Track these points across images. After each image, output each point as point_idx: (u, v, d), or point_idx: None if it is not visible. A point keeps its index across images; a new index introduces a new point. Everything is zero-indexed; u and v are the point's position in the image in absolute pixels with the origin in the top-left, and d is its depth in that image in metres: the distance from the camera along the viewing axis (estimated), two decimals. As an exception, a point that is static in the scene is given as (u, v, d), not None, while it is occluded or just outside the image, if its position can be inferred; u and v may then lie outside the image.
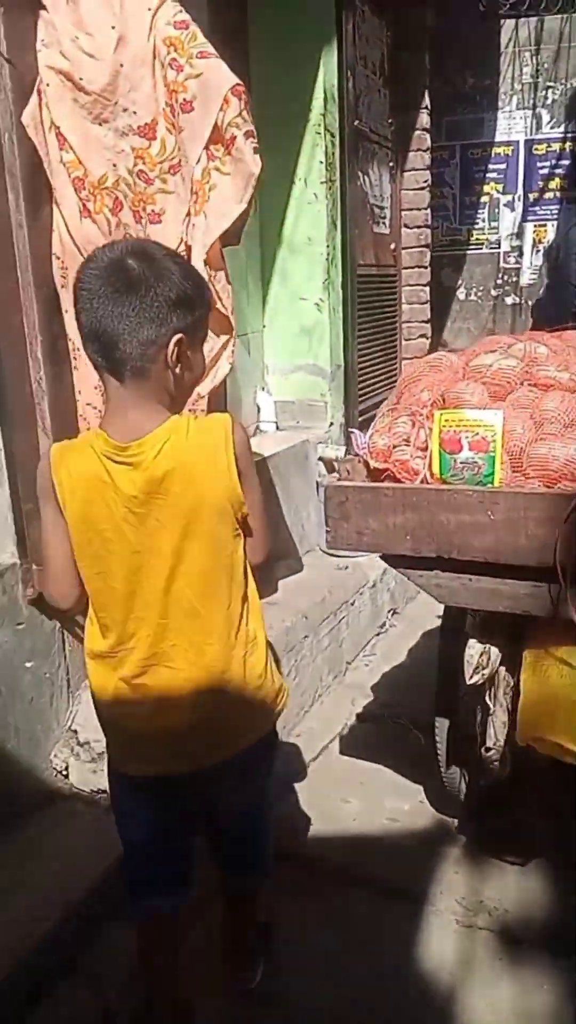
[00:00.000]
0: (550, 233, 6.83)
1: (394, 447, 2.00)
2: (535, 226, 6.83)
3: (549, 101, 6.66)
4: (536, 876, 2.20)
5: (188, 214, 2.16)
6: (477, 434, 1.84)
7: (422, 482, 1.91)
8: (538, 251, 6.88)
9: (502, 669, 1.95)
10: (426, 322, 5.47)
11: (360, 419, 4.23)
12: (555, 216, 6.81)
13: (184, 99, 2.06)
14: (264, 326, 4.21)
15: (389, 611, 4.09)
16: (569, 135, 6.71)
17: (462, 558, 1.82)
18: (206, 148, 2.09)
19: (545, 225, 6.86)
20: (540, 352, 2.09)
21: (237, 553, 1.47)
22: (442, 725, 2.25)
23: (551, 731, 1.84)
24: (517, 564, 1.76)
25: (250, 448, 1.50)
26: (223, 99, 2.05)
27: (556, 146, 6.72)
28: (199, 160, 2.09)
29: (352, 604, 3.62)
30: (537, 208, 6.79)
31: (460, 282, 6.94)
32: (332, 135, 3.92)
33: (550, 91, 6.67)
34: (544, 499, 1.73)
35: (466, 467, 1.85)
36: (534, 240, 6.85)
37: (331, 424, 4.17)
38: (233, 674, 1.48)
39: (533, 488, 1.80)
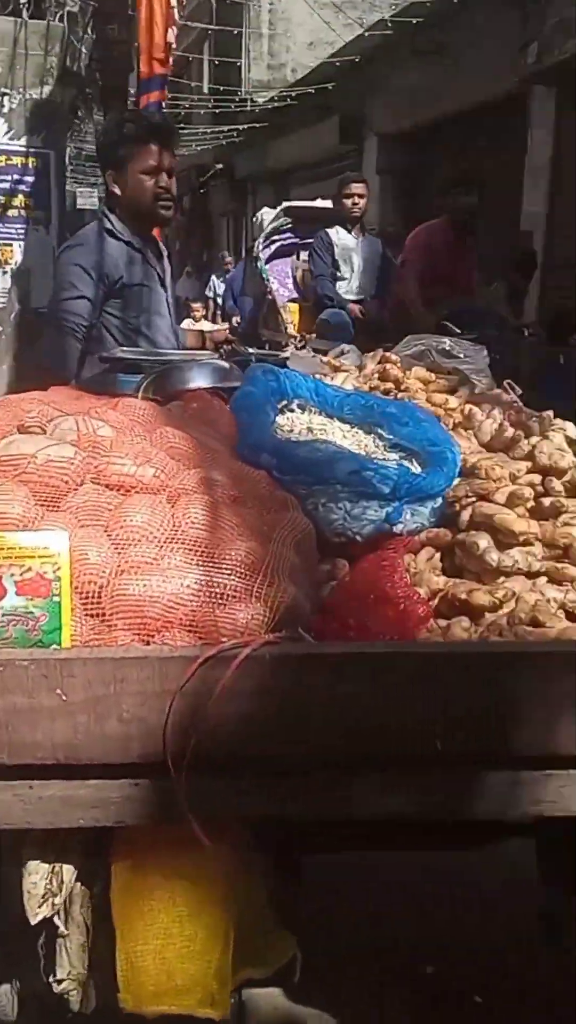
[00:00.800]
0: (17, 254, 6.35)
1: None
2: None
3: (6, 110, 6.19)
4: None
5: None
6: (29, 569, 1.30)
7: None
8: (4, 272, 6.36)
9: (78, 884, 1.42)
10: None
11: None
12: (21, 236, 6.36)
13: None
14: None
15: None
16: (31, 149, 6.30)
17: (15, 762, 1.24)
18: None
19: (11, 245, 6.36)
20: (103, 434, 1.60)
21: None
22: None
23: (167, 1000, 1.38)
24: (106, 761, 1.25)
25: None
26: None
27: (17, 160, 6.27)
28: None
29: None
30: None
31: None
32: None
33: (7, 99, 6.20)
34: (146, 663, 1.23)
35: (13, 621, 1.29)
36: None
37: None
38: None
39: (127, 649, 1.30)
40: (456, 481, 1.96)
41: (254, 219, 15.83)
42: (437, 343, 3.21)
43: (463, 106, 11.30)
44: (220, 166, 21.95)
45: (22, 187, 6.40)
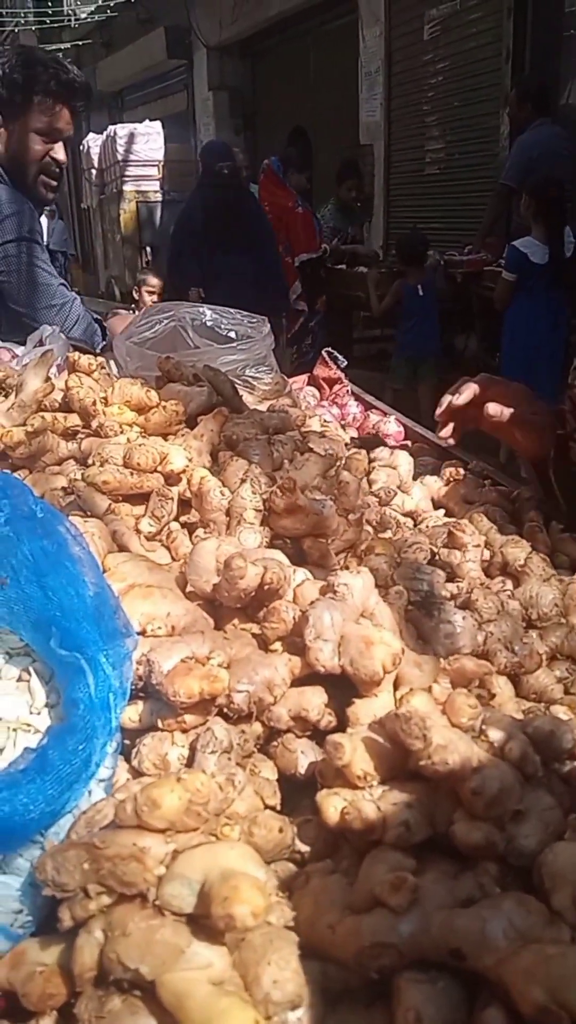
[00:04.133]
0: None
1: None
2: None
3: None
4: None
5: None
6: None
7: None
8: None
9: None
10: None
11: None
12: None
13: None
14: None
15: None
16: None
17: None
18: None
19: None
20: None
21: None
22: None
23: None
24: None
25: None
26: None
27: None
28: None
29: None
30: None
31: None
32: None
33: None
34: None
35: None
36: None
37: None
38: None
39: None
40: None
41: (80, 147, 13.86)
42: (194, 317, 1.87)
43: (291, 7, 9.63)
44: (49, 90, 19.32)
45: None
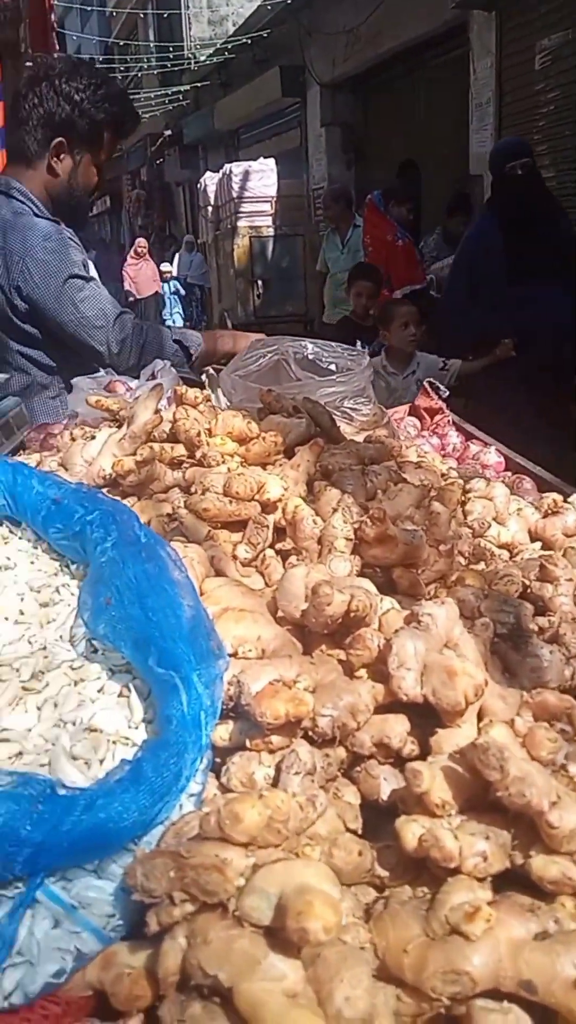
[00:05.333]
0: None
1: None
2: None
3: None
4: None
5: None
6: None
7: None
8: None
9: None
10: None
11: None
12: None
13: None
14: None
15: None
16: None
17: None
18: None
19: None
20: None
21: None
22: None
23: None
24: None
25: None
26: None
27: None
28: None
29: None
30: None
31: None
32: None
33: None
34: None
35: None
36: None
37: None
38: None
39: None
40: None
41: (198, 185, 14.36)
42: (296, 351, 1.92)
43: (403, 44, 9.73)
44: (169, 132, 20.11)
45: None
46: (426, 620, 0.83)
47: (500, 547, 1.38)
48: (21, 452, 1.85)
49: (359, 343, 4.18)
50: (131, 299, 14.81)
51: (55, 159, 2.34)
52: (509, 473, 1.94)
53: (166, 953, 0.62)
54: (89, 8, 21.71)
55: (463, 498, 1.43)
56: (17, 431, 2.17)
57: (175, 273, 16.11)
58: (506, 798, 0.67)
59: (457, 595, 0.97)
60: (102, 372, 2.22)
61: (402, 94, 10.90)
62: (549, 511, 1.48)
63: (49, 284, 2.27)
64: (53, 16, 5.52)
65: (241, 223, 11.78)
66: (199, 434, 1.43)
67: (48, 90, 2.27)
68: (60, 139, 2.31)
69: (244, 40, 13.80)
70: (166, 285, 15.90)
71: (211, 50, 16.28)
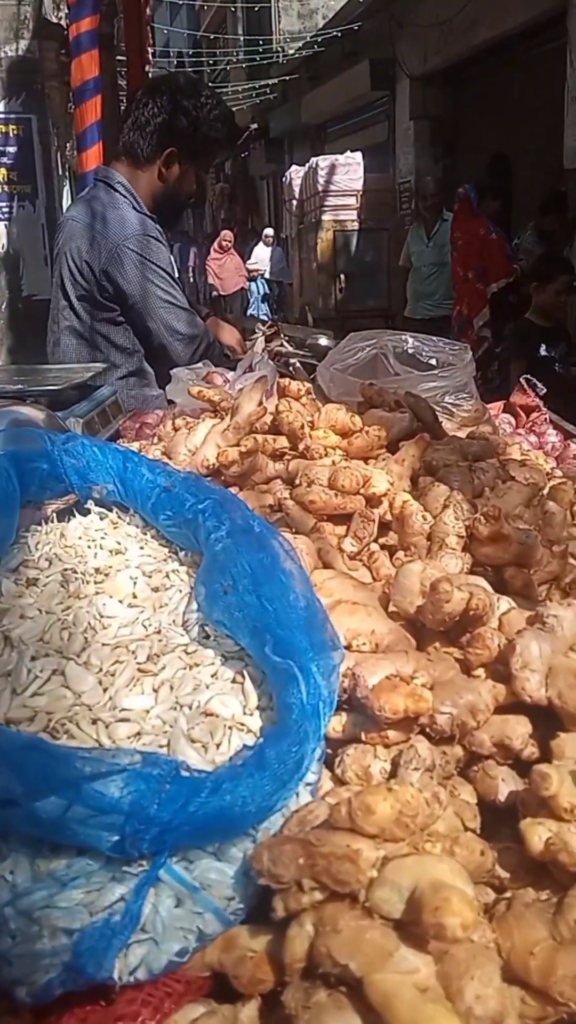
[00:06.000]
0: (2, 237, 5.20)
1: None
2: (-17, 228, 5.16)
3: (-22, 72, 5.01)
4: None
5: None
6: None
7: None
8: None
9: None
10: None
11: None
12: (6, 216, 5.19)
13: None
14: None
15: None
16: (12, 115, 5.13)
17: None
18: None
19: (-6, 226, 5.21)
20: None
21: None
22: None
23: None
24: None
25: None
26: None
27: (-4, 128, 5.10)
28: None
29: None
30: (-20, 206, 5.13)
31: None
32: None
33: (-25, 59, 5.03)
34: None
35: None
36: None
37: None
38: None
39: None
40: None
41: (283, 179, 14.38)
42: (396, 344, 1.91)
43: (497, 35, 9.54)
44: (255, 126, 20.19)
45: (4, 159, 5.23)
46: (551, 621, 0.81)
47: (608, 550, 1.35)
48: (117, 440, 1.89)
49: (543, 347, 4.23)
50: (215, 293, 14.75)
51: (165, 166, 2.50)
52: (611, 475, 1.88)
53: (292, 939, 0.63)
54: (179, 2, 21.95)
55: (573, 499, 1.40)
56: (113, 420, 2.22)
57: (261, 269, 15.86)
58: None
59: (579, 597, 0.95)
60: (200, 363, 2.25)
61: (495, 87, 10.69)
62: None
63: (137, 275, 2.41)
64: (148, 11, 5.60)
65: (326, 217, 11.75)
66: (302, 427, 1.44)
67: (169, 103, 2.44)
68: (173, 149, 2.48)
69: (334, 33, 13.74)
70: (252, 284, 15.45)
71: (300, 43, 16.28)
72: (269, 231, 16.59)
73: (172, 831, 0.70)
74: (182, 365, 2.38)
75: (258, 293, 15.36)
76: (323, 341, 2.94)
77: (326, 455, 1.40)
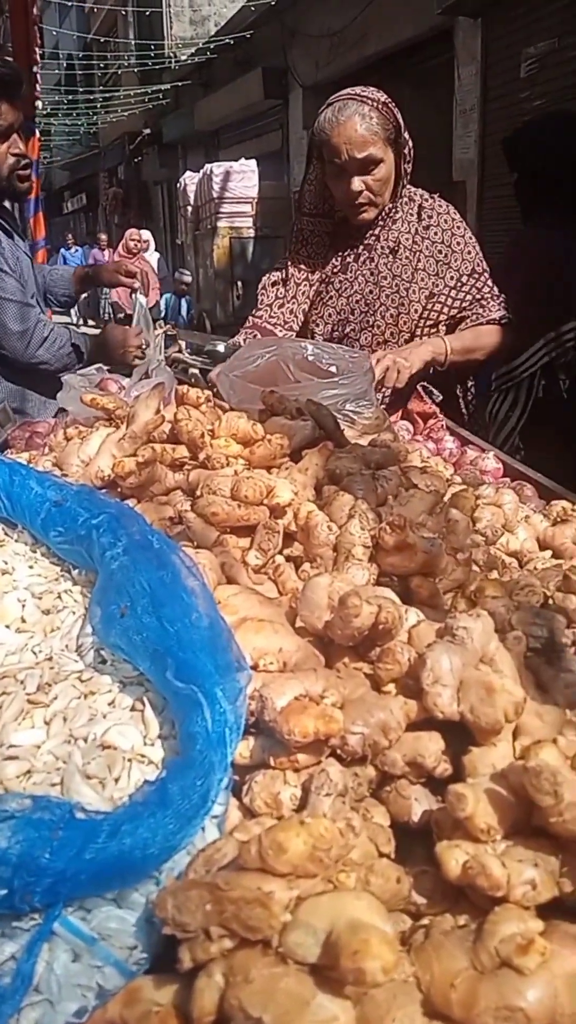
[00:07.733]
0: None
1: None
2: None
3: None
4: None
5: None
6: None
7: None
8: None
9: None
10: None
11: None
12: None
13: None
14: None
15: None
16: None
17: None
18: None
19: None
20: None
21: None
22: None
23: None
24: None
25: None
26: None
27: None
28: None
29: None
30: None
31: None
32: None
33: None
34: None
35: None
36: None
37: None
38: None
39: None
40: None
41: (177, 185, 14.26)
42: (296, 351, 1.89)
43: (387, 48, 9.75)
44: (148, 131, 20.01)
45: None
46: (461, 634, 0.79)
47: (509, 555, 1.35)
48: (6, 451, 1.80)
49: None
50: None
51: None
52: (508, 480, 1.91)
53: (201, 992, 0.58)
54: (69, 3, 21.56)
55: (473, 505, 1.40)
56: (1, 429, 2.12)
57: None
58: (559, 824, 0.64)
59: (487, 607, 0.93)
60: (92, 369, 2.17)
61: (385, 98, 10.91)
62: (559, 519, 1.45)
63: None
64: (35, 11, 5.46)
65: (221, 224, 11.74)
66: (202, 435, 1.39)
67: None
68: None
69: (227, 40, 13.77)
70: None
71: (192, 49, 16.23)
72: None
73: (67, 881, 0.64)
74: (22, 362, 2.41)
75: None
76: (221, 347, 2.90)
77: (228, 464, 1.35)
